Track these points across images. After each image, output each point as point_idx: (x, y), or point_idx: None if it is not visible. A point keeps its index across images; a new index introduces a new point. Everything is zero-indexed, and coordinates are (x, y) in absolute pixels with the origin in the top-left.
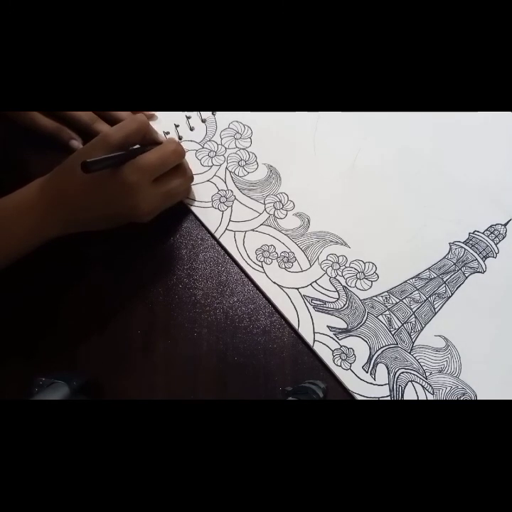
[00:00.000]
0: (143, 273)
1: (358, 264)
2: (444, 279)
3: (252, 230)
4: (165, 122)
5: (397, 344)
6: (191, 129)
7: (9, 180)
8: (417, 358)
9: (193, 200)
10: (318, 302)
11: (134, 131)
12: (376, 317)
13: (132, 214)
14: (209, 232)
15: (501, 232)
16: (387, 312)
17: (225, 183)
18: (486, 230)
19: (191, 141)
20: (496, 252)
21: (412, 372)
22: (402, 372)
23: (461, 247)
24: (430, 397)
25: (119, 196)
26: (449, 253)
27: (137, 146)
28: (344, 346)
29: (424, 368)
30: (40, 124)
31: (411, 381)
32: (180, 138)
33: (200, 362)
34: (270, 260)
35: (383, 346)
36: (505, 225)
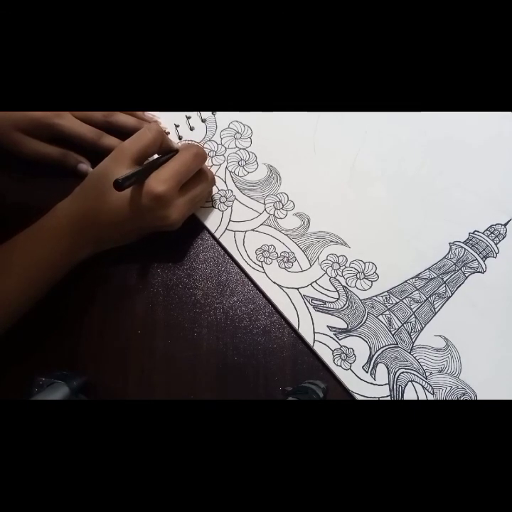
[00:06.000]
0: (143, 273)
1: (358, 264)
2: (444, 279)
3: (252, 230)
4: (165, 122)
5: (397, 344)
6: (191, 129)
7: (21, 215)
8: (417, 358)
9: None
10: (318, 302)
11: (151, 142)
12: (376, 317)
13: (163, 224)
14: (209, 232)
15: (501, 232)
16: (387, 312)
17: (225, 183)
18: (486, 230)
19: (191, 141)
20: (496, 252)
21: (412, 372)
22: (402, 372)
23: (461, 247)
24: (430, 397)
25: (150, 208)
26: (449, 253)
27: (157, 156)
28: (344, 346)
29: (424, 367)
30: (43, 153)
31: (411, 381)
32: (180, 138)
33: (200, 362)
34: (270, 260)
35: (383, 346)
36: (505, 225)
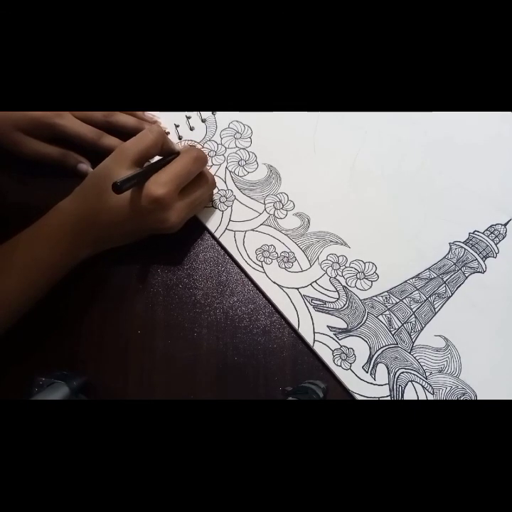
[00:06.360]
0: (143, 273)
1: (358, 264)
2: (444, 279)
3: (252, 229)
4: (165, 122)
5: (397, 344)
6: (191, 129)
7: (21, 215)
8: (417, 358)
9: None
10: (318, 302)
11: (152, 144)
12: (376, 317)
13: (162, 227)
14: (209, 232)
15: (501, 232)
16: (387, 312)
17: (225, 182)
18: (486, 230)
19: (191, 141)
20: (496, 252)
21: (412, 372)
22: (402, 372)
23: (461, 247)
24: (430, 397)
25: (149, 211)
26: (449, 253)
27: (157, 158)
28: (344, 346)
29: (424, 367)
30: (43, 153)
31: (411, 381)
32: (180, 138)
33: (200, 362)
34: (270, 260)
35: (383, 346)
36: (505, 225)
